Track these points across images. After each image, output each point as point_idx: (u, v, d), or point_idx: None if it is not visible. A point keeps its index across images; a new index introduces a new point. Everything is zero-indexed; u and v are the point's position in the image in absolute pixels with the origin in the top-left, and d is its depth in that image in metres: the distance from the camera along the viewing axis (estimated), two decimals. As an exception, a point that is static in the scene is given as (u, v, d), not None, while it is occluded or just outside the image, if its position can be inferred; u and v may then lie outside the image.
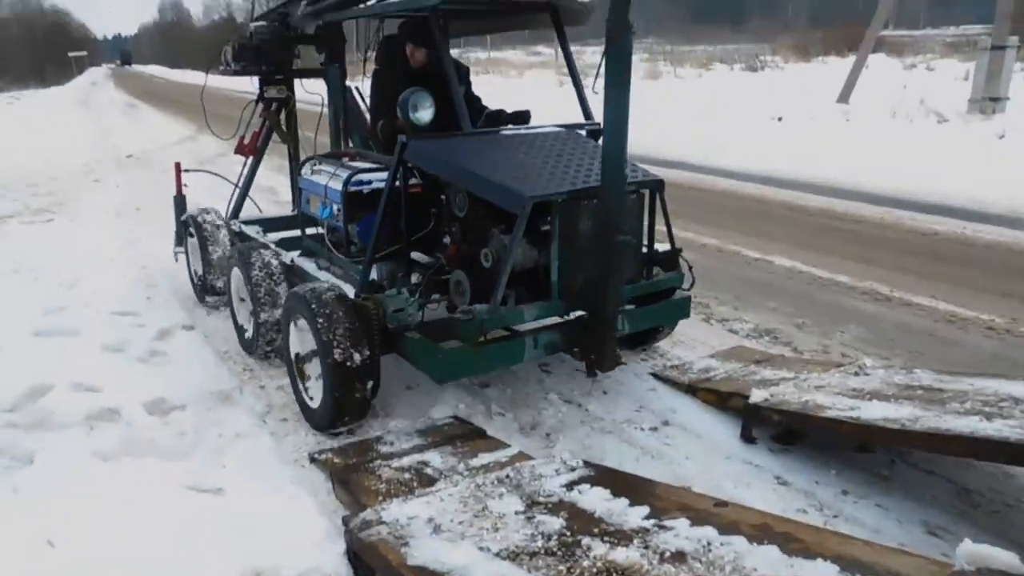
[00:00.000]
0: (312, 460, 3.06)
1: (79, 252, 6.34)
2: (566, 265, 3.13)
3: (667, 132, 11.98)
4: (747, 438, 3.17)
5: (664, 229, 3.62)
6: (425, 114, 3.38)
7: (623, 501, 2.41)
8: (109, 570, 2.33)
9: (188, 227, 5.00)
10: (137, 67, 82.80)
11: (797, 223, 7.01)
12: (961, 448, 2.57)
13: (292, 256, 4.23)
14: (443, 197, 3.49)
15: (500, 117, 4.04)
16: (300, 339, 3.38)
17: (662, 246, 3.66)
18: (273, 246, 4.40)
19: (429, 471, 2.87)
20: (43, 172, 10.88)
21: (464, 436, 3.17)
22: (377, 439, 3.17)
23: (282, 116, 5.19)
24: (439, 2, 3.31)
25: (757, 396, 3.14)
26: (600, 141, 3.17)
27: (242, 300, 4.20)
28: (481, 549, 2.18)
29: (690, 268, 3.71)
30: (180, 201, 5.46)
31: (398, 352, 3.35)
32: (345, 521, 2.47)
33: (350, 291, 3.47)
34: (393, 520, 2.36)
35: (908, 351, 4.12)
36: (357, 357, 3.11)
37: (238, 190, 5.35)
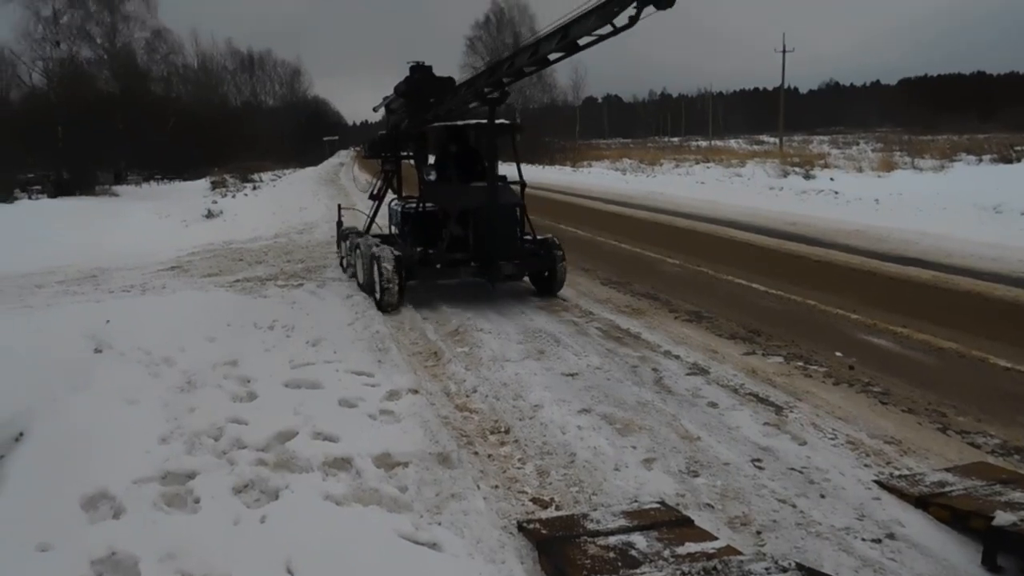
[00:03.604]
0: (520, 528, 3.16)
1: (323, 314, 7.07)
2: (477, 236, 7.54)
3: (906, 224, 11.27)
4: (990, 566, 2.85)
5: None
6: (432, 177, 8.37)
7: (842, 612, 2.27)
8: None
9: (343, 237, 9.50)
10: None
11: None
12: None
13: (378, 243, 8.09)
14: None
15: (488, 172, 7.80)
16: (374, 271, 7.45)
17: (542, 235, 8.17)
18: (374, 240, 8.30)
19: (634, 553, 2.86)
20: (297, 242, 12.29)
21: (671, 523, 3.13)
22: (583, 515, 3.22)
23: (393, 180, 9.49)
24: (444, 136, 8.48)
25: (1004, 519, 2.83)
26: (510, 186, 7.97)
27: (361, 268, 8.20)
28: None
29: (559, 245, 8.00)
30: (339, 224, 10.31)
31: (409, 277, 7.59)
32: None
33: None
34: (598, 596, 2.39)
35: None
36: (396, 278, 7.30)
37: (368, 218, 9.65)
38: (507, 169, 8.23)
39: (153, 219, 17.24)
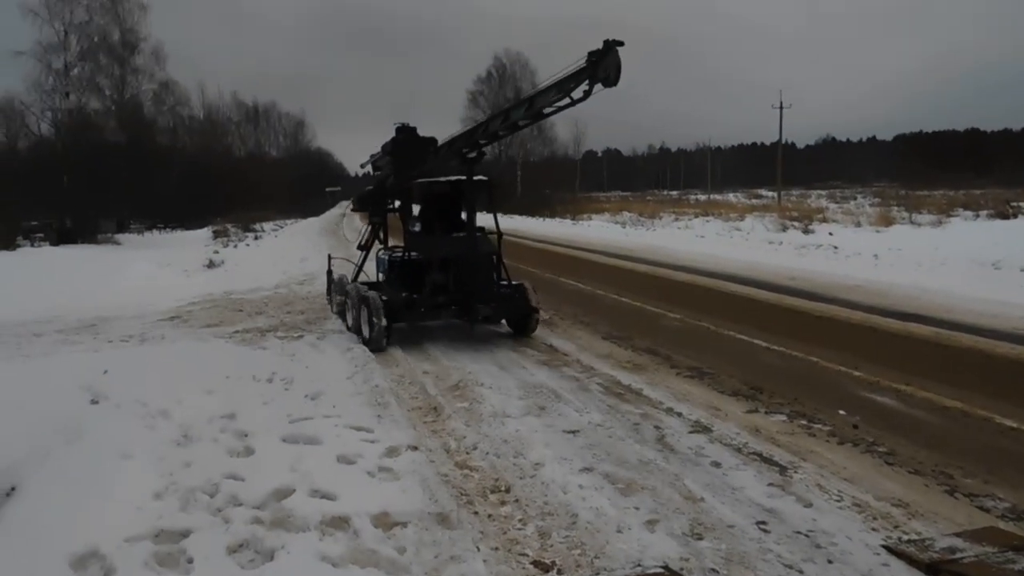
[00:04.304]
0: (521, 593, 3.08)
1: (322, 367, 7.03)
2: (457, 282, 8.29)
3: (905, 279, 11.31)
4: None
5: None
6: (416, 228, 9.20)
7: None
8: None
9: (334, 285, 10.26)
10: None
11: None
12: None
13: (366, 289, 8.69)
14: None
15: (467, 223, 8.74)
16: (364, 315, 8.13)
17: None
18: (363, 287, 8.91)
19: (638, 622, 2.78)
20: (297, 293, 12.30)
21: (675, 589, 3.05)
22: (585, 580, 3.14)
23: (379, 232, 10.14)
24: (427, 192, 9.26)
25: (1017, 589, 2.76)
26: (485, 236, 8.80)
27: (349, 311, 8.92)
28: None
29: (533, 289, 8.70)
30: (329, 272, 10.96)
31: (395, 320, 8.16)
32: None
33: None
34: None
35: None
36: (383, 320, 7.90)
37: (356, 267, 10.19)
38: (486, 220, 8.96)
39: (154, 268, 17.26)
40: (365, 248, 10.34)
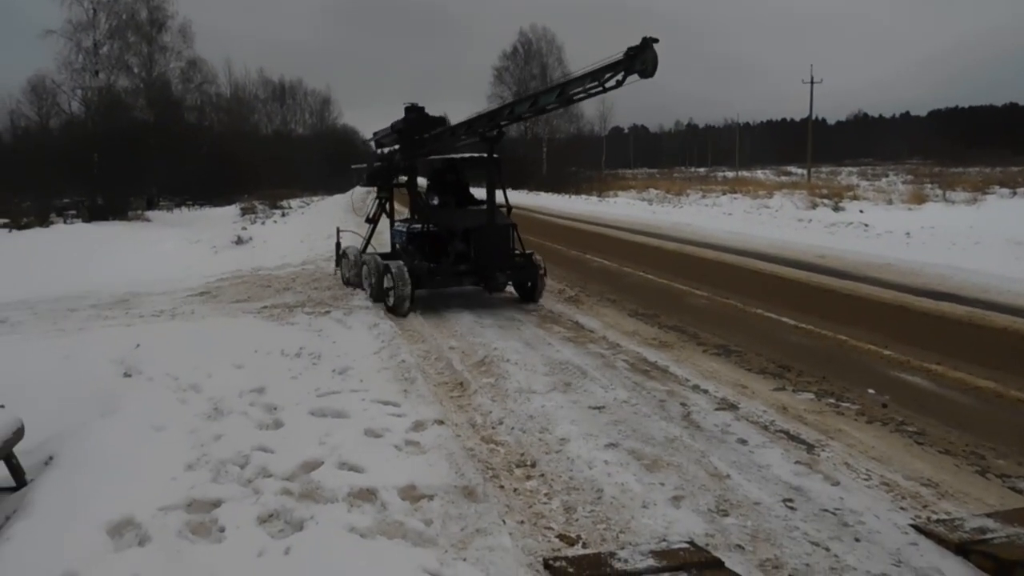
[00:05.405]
0: (546, 566, 3.11)
1: (349, 342, 7.09)
2: (477, 251, 8.80)
3: (938, 258, 11.14)
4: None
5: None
6: (435, 202, 9.82)
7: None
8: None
9: (343, 256, 10.94)
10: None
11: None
12: None
13: (380, 257, 9.55)
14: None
15: (475, 197, 9.86)
16: (386, 281, 8.71)
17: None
18: (379, 257, 9.55)
19: (663, 596, 2.80)
20: (324, 269, 12.39)
21: (699, 564, 3.06)
22: (611, 554, 3.16)
23: (387, 205, 10.72)
24: (440, 168, 10.13)
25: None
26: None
27: (368, 280, 9.44)
28: None
29: (539, 259, 9.25)
30: (338, 245, 11.39)
31: (418, 286, 8.70)
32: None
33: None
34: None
35: None
36: (407, 287, 8.39)
37: (364, 239, 10.73)
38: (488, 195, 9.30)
39: (183, 245, 17.49)
40: (373, 221, 10.92)
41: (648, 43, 6.22)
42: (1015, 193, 24.63)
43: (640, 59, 6.24)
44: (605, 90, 6.86)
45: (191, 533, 3.42)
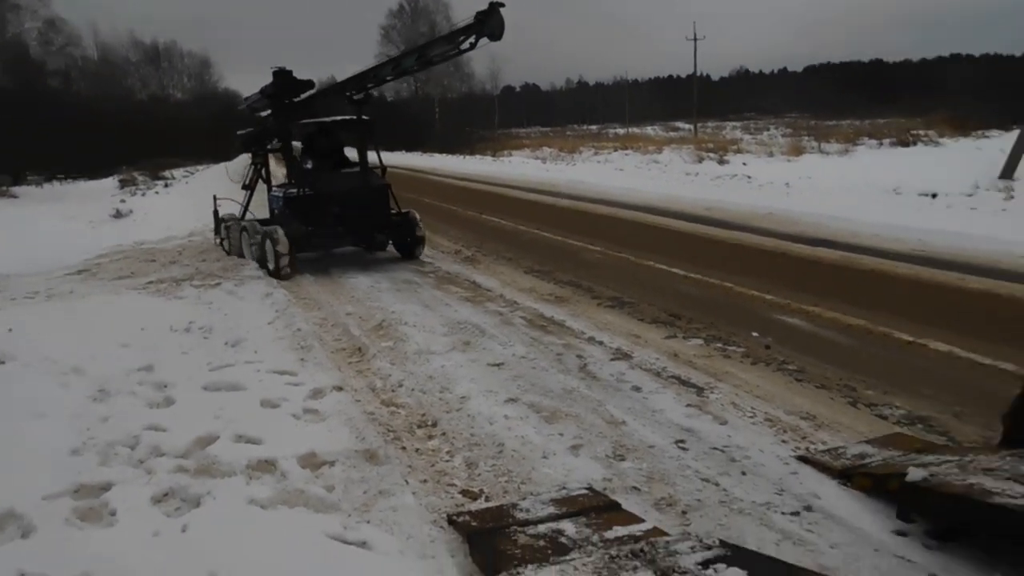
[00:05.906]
0: (450, 521, 3.15)
1: (242, 314, 6.89)
2: (354, 213, 9.12)
3: (815, 207, 11.72)
4: (904, 519, 3.02)
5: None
6: (309, 166, 9.69)
7: (763, 584, 2.35)
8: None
9: (221, 224, 10.97)
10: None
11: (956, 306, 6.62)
12: None
13: (259, 223, 9.60)
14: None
15: (350, 160, 9.82)
16: (267, 247, 8.79)
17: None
18: (257, 224, 9.61)
19: (563, 540, 2.89)
20: (213, 240, 11.92)
21: (598, 508, 3.18)
22: (513, 505, 3.24)
23: (262, 171, 10.60)
24: (314, 131, 9.87)
25: (915, 475, 2.98)
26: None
27: (250, 246, 9.57)
28: (617, 621, 2.18)
29: (415, 215, 9.61)
30: (216, 213, 11.33)
31: (299, 250, 8.86)
32: (482, 583, 2.53)
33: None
34: (529, 585, 2.40)
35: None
36: (288, 251, 8.49)
37: (242, 206, 10.77)
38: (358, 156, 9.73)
39: (57, 221, 16.40)
40: (250, 188, 10.88)
41: (495, 7, 6.62)
42: (881, 144, 26.19)
43: (488, 24, 6.67)
44: (461, 52, 7.41)
45: (79, 520, 3.28)
